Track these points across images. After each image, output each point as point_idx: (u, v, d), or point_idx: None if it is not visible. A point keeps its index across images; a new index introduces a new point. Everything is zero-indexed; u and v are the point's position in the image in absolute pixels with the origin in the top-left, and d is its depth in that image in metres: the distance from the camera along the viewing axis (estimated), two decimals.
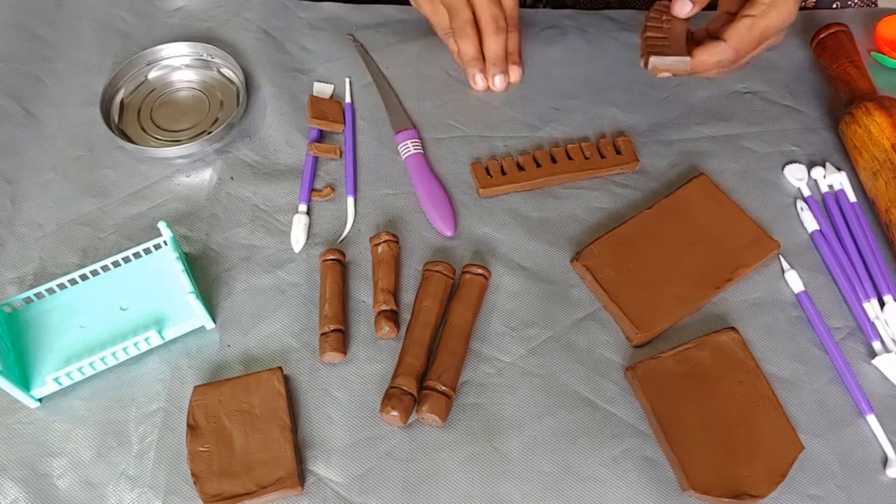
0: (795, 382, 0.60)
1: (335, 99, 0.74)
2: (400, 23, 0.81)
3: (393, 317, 0.61)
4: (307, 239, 0.67)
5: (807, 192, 0.69)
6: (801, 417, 0.58)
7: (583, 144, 0.71)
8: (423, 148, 0.72)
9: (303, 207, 0.68)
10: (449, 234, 0.67)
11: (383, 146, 0.73)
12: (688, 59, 0.61)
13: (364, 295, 0.64)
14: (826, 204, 0.69)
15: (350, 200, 0.68)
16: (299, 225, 0.67)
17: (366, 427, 0.58)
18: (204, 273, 0.65)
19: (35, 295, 0.62)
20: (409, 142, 0.71)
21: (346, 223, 0.67)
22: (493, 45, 0.72)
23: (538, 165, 0.70)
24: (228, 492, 0.54)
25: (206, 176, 0.70)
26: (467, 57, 0.73)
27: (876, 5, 0.88)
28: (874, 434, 0.58)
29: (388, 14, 0.82)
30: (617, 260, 0.63)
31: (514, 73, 0.75)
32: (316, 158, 0.71)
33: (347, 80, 0.77)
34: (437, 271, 0.62)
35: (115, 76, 0.75)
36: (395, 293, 0.63)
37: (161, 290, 0.62)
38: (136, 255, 0.64)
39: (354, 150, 0.72)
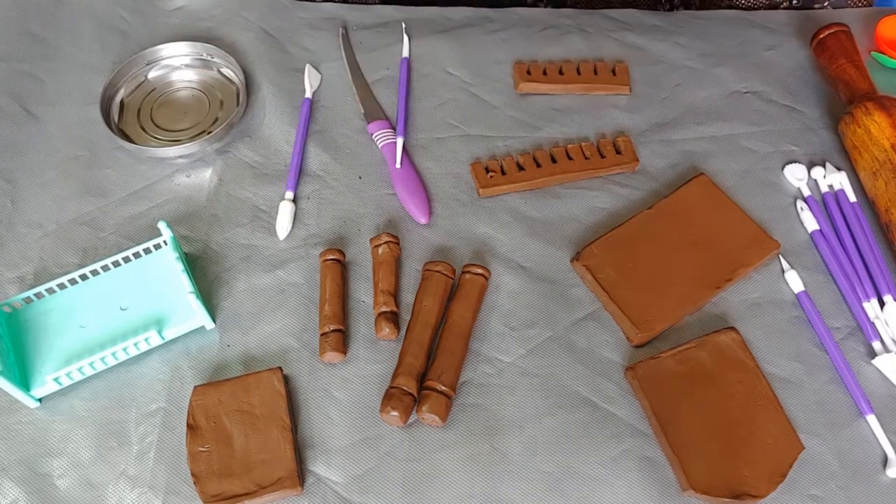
0: (795, 382, 0.60)
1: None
2: (400, 23, 0.81)
3: (393, 318, 0.61)
4: (293, 227, 0.67)
5: (807, 192, 0.69)
6: (801, 417, 0.58)
7: (583, 144, 0.71)
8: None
9: (289, 195, 0.68)
10: (423, 221, 0.67)
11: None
12: None
13: (364, 295, 0.64)
14: (826, 204, 0.69)
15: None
16: (285, 212, 0.67)
17: (366, 427, 0.58)
18: (204, 273, 0.65)
19: (35, 295, 0.62)
20: (383, 131, 0.72)
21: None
22: None
23: (538, 165, 0.70)
24: (228, 492, 0.54)
25: (206, 176, 0.70)
26: None
27: (871, 5, 0.88)
28: (874, 434, 0.58)
29: (388, 14, 0.82)
30: (617, 260, 0.63)
31: None
32: (304, 146, 0.71)
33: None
34: (437, 271, 0.62)
35: (114, 76, 0.75)
36: (396, 294, 0.63)
37: (161, 290, 0.62)
38: (136, 255, 0.64)
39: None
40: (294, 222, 0.68)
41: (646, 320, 0.61)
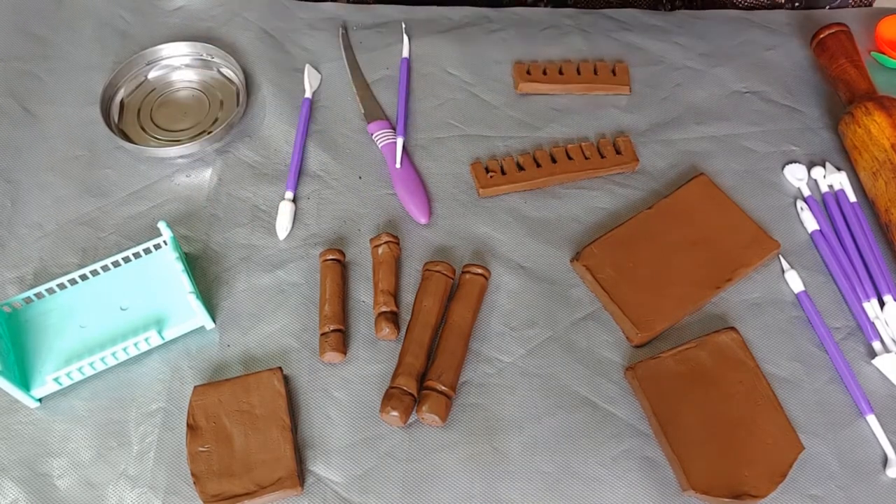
0: (795, 382, 0.60)
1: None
2: (400, 23, 0.81)
3: (393, 318, 0.61)
4: (293, 226, 0.67)
5: (807, 192, 0.69)
6: (801, 417, 0.58)
7: (583, 144, 0.71)
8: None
9: (289, 195, 0.68)
10: (423, 221, 0.67)
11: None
12: None
13: (364, 295, 0.64)
14: (826, 204, 0.69)
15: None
16: (285, 212, 0.67)
17: (366, 427, 0.58)
18: (204, 273, 0.65)
19: (35, 295, 0.62)
20: (383, 131, 0.72)
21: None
22: None
23: (538, 165, 0.70)
24: (228, 492, 0.54)
25: (206, 176, 0.70)
26: None
27: (870, 5, 0.88)
28: (874, 434, 0.58)
29: (388, 14, 0.82)
30: (617, 260, 0.63)
31: None
32: (304, 146, 0.71)
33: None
34: (437, 271, 0.62)
35: (115, 76, 0.75)
36: (396, 294, 0.63)
37: (161, 290, 0.62)
38: (136, 255, 0.64)
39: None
40: (294, 222, 0.68)
41: (646, 320, 0.61)
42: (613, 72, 0.76)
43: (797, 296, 0.64)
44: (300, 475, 0.55)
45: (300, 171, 0.71)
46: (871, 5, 0.88)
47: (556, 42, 0.80)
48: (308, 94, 0.75)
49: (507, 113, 0.75)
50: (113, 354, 0.59)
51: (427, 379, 0.58)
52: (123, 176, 0.71)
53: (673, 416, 0.56)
